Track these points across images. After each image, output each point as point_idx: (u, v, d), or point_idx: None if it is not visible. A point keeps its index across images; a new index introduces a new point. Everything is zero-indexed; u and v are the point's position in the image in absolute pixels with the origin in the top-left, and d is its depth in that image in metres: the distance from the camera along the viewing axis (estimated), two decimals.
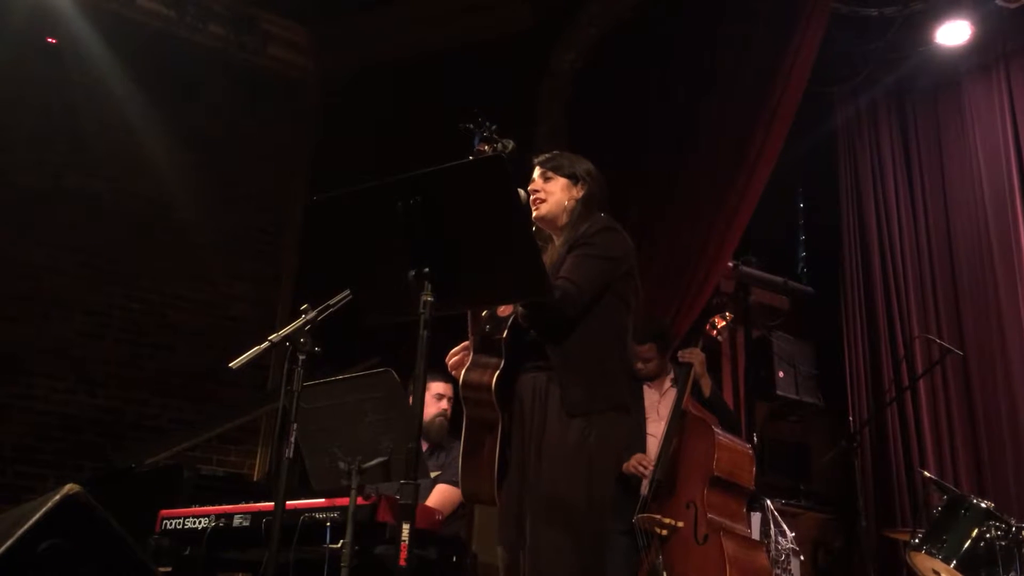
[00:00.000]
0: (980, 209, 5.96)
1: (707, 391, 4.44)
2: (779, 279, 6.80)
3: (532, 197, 2.95)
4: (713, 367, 5.17)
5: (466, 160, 2.33)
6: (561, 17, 6.61)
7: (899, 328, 6.14)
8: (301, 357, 2.82)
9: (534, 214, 2.94)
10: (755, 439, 5.89)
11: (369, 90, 7.12)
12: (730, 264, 6.20)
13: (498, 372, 2.74)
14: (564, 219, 2.97)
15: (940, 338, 5.61)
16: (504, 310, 2.77)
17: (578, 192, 2.97)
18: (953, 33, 5.95)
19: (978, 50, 6.08)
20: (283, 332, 2.83)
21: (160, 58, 6.72)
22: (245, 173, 7.20)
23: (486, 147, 2.69)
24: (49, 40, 6.44)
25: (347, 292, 2.82)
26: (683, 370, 4.36)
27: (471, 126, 2.71)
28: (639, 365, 4.49)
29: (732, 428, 4.57)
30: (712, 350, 4.89)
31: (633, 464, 4.05)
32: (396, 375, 3.22)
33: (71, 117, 6.52)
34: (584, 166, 3.03)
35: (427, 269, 2.33)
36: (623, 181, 5.55)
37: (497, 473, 2.73)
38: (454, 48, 6.76)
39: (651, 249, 5.58)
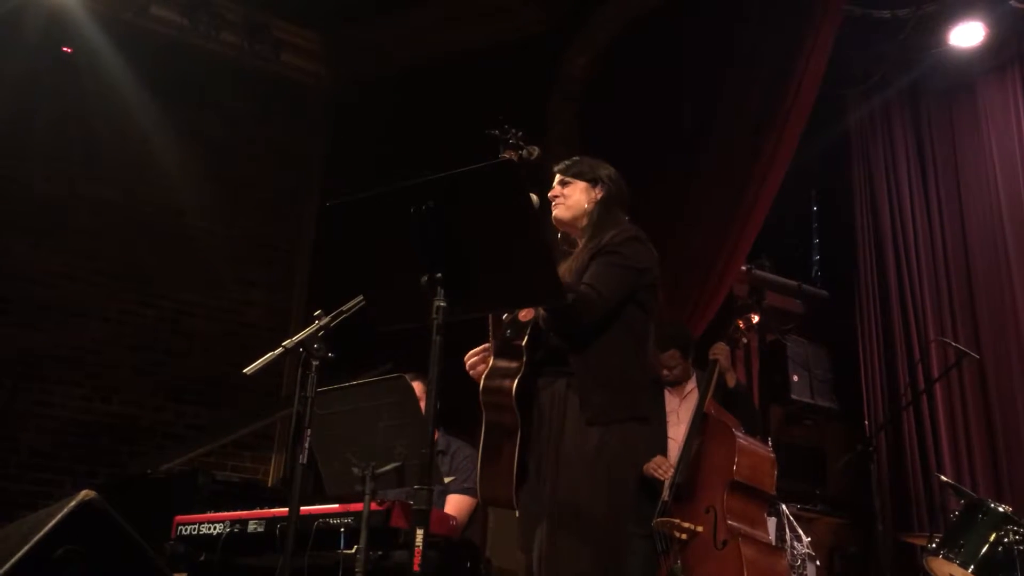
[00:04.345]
0: (995, 211, 5.92)
1: (731, 382, 4.41)
2: (793, 283, 6.78)
3: (552, 203, 2.95)
4: None
5: (479, 165, 2.32)
6: (573, 21, 6.60)
7: (914, 331, 6.10)
8: (315, 363, 2.82)
9: (553, 214, 2.95)
10: (770, 443, 5.86)
11: (381, 96, 7.14)
12: (743, 268, 6.18)
13: (519, 377, 2.74)
14: (584, 221, 2.97)
15: (956, 341, 5.57)
16: (525, 315, 2.76)
17: (597, 194, 2.97)
18: (967, 34, 5.92)
19: (992, 51, 6.05)
20: (297, 338, 2.83)
21: (174, 66, 6.76)
22: (258, 179, 7.23)
23: (511, 154, 2.68)
24: (64, 49, 6.48)
25: (360, 298, 2.83)
26: (708, 369, 4.33)
27: (497, 132, 2.70)
28: (664, 372, 4.47)
29: (752, 420, 4.53)
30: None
31: (653, 467, 4.04)
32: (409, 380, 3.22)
33: (85, 125, 6.55)
34: (605, 170, 3.03)
35: (440, 274, 2.33)
36: (636, 184, 5.53)
37: (516, 477, 2.72)
38: (465, 53, 6.76)
39: (664, 252, 5.53)
